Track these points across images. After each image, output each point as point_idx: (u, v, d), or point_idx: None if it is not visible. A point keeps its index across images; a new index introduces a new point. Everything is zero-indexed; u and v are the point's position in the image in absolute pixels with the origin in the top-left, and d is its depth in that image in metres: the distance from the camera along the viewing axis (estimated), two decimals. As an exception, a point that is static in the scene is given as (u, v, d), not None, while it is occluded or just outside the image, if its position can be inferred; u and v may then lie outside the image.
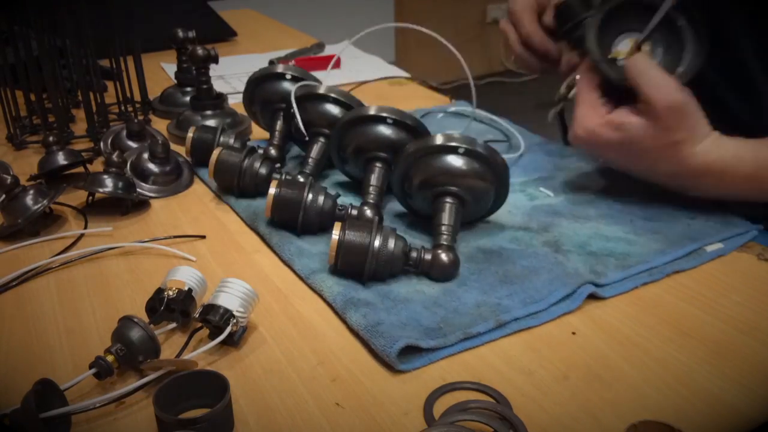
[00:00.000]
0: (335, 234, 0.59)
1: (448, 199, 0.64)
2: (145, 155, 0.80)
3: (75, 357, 0.53)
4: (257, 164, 0.75)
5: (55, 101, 0.90)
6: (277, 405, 0.48)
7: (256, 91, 0.87)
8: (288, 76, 0.85)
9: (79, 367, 0.51)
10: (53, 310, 0.58)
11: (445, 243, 0.61)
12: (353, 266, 0.59)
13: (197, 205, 0.77)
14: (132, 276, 0.63)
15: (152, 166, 0.80)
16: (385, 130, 0.71)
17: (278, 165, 0.78)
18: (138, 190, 0.77)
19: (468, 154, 0.64)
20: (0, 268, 0.65)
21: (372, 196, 0.70)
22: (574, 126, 0.69)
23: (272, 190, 0.67)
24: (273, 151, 0.83)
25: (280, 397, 0.48)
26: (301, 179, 0.71)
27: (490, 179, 0.65)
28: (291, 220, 0.67)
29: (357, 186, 0.77)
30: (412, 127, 0.72)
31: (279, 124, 0.84)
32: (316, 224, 0.67)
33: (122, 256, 0.67)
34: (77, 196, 0.78)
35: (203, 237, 0.70)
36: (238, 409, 0.47)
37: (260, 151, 0.78)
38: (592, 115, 0.67)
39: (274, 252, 0.67)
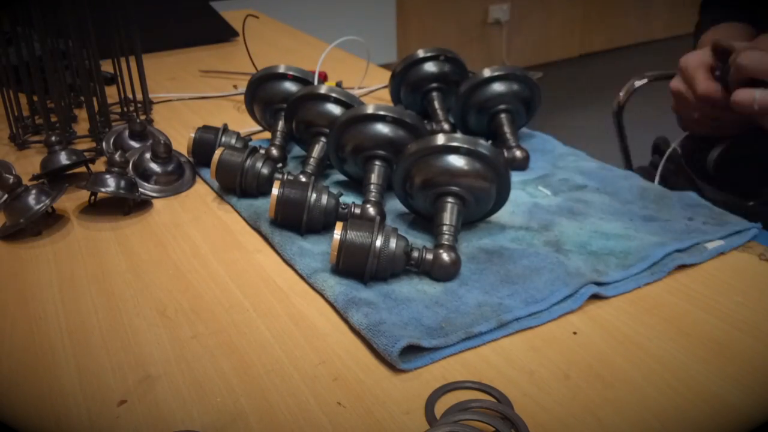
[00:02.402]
0: (337, 234, 0.59)
1: (450, 199, 0.64)
2: (147, 155, 0.80)
3: (77, 358, 0.53)
4: (259, 164, 0.75)
5: (58, 101, 0.91)
6: (279, 404, 0.48)
7: (257, 91, 0.88)
8: (289, 77, 0.86)
9: (82, 368, 0.51)
10: (55, 310, 0.59)
11: (446, 243, 0.62)
12: (355, 266, 0.59)
13: (199, 204, 0.77)
14: (134, 275, 0.63)
15: (154, 166, 0.80)
16: (383, 129, 0.72)
17: (280, 165, 0.78)
18: (140, 189, 0.77)
19: (469, 154, 0.64)
20: (2, 268, 0.65)
21: (374, 194, 0.70)
22: None
23: (275, 191, 0.67)
24: (275, 151, 0.83)
25: (282, 396, 0.48)
26: (304, 179, 0.72)
27: (492, 179, 0.66)
28: (294, 220, 0.67)
29: (356, 185, 0.77)
30: (411, 125, 0.72)
31: (280, 124, 0.85)
32: (319, 223, 0.68)
33: (125, 255, 0.67)
34: (79, 196, 0.78)
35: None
36: (240, 408, 0.47)
37: (262, 151, 0.78)
38: None
39: (276, 252, 0.67)
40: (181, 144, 0.87)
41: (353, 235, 0.59)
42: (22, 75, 0.92)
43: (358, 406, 0.48)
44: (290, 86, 0.86)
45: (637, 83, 1.25)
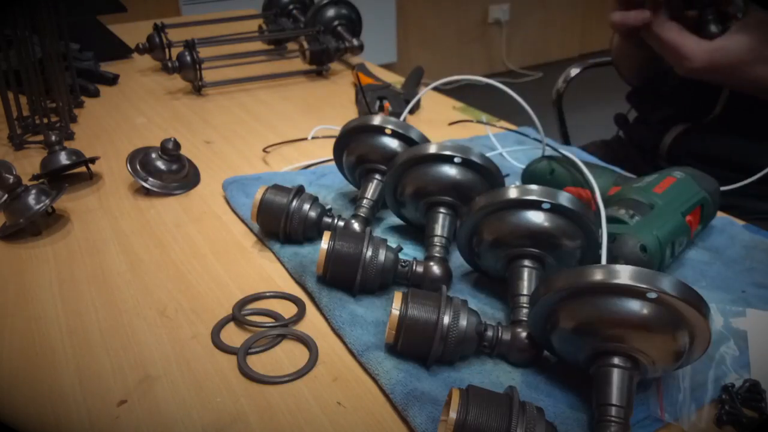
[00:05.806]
0: (395, 309, 0.49)
1: (527, 263, 0.54)
2: (153, 154, 0.80)
3: (77, 358, 0.53)
4: (306, 206, 0.65)
5: (59, 103, 0.90)
6: (279, 404, 0.48)
7: (350, 141, 0.71)
8: (388, 131, 0.69)
9: (82, 368, 0.51)
10: (55, 310, 0.59)
11: (524, 319, 0.51)
12: (416, 347, 0.50)
13: (200, 205, 0.77)
14: (134, 275, 0.63)
15: (160, 163, 0.80)
16: (449, 171, 0.62)
17: (329, 207, 0.68)
18: (143, 183, 0.77)
19: (553, 210, 0.54)
20: (2, 268, 0.65)
21: (437, 248, 0.60)
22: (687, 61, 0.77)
23: (324, 245, 0.57)
24: (356, 225, 0.66)
25: (282, 396, 0.48)
26: (357, 227, 0.64)
27: (578, 237, 0.55)
28: (346, 279, 0.58)
29: (413, 231, 0.69)
30: (482, 167, 0.62)
31: (371, 189, 0.69)
32: (375, 284, 0.58)
33: (125, 255, 0.67)
34: (80, 196, 0.78)
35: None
36: (240, 408, 0.47)
37: (328, 207, 0.68)
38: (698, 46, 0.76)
39: (323, 316, 0.58)
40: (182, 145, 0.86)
41: (416, 311, 0.49)
42: (23, 76, 0.92)
43: (358, 406, 0.48)
44: (389, 142, 0.69)
45: (573, 72, 1.34)
